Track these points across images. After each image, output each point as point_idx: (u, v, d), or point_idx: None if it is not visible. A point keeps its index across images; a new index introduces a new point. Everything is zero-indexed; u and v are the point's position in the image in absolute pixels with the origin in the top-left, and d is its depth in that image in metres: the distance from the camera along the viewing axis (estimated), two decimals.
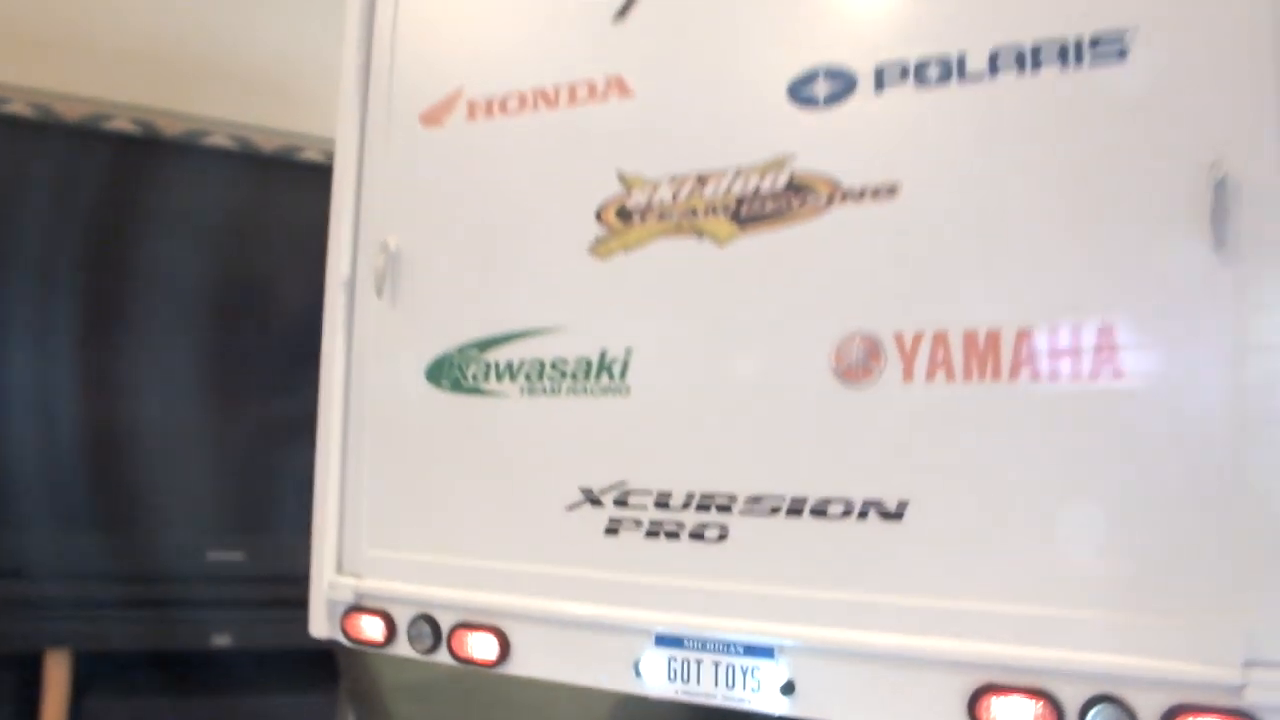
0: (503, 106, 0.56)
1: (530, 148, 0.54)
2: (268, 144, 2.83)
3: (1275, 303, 0.43)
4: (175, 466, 2.59)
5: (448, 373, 0.55)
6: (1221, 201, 0.38)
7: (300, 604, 2.63)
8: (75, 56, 2.67)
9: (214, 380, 2.64)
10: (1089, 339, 0.40)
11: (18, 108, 2.54)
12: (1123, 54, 0.41)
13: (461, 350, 0.55)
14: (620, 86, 0.52)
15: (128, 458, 2.51)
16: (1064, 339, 0.41)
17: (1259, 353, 0.43)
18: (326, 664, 2.65)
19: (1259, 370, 0.44)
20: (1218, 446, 0.44)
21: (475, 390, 0.54)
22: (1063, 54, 0.42)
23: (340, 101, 0.62)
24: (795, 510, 0.45)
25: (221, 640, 2.51)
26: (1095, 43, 0.42)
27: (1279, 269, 0.40)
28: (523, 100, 0.55)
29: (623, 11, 0.52)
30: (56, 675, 2.35)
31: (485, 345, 0.55)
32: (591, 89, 0.53)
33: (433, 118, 0.60)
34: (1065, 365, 0.41)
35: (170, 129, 2.72)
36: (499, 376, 0.53)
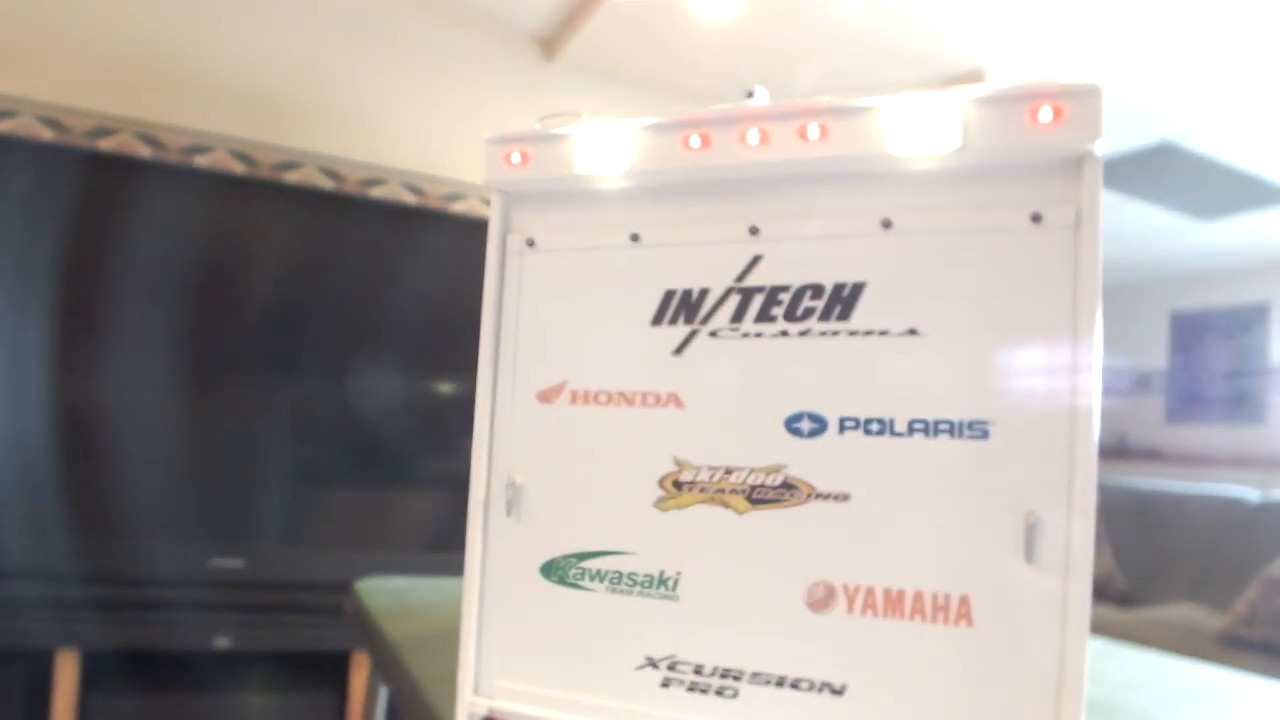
0: (596, 398, 0.81)
1: (615, 429, 0.77)
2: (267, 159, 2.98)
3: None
4: (183, 477, 2.80)
5: (555, 571, 0.80)
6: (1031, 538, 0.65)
7: (296, 610, 2.87)
8: (81, 68, 2.66)
9: (221, 387, 2.85)
10: (952, 599, 0.68)
11: (27, 121, 2.72)
12: (986, 434, 0.70)
13: (565, 557, 0.80)
14: (676, 400, 0.77)
15: (139, 467, 2.70)
16: (938, 599, 0.69)
17: None
18: (324, 666, 2.89)
19: None
20: None
21: (575, 585, 0.79)
22: (949, 429, 0.70)
23: (479, 379, 0.84)
24: (779, 684, 0.72)
25: (222, 642, 2.75)
26: (970, 425, 0.70)
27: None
28: (610, 397, 0.80)
29: (679, 350, 0.77)
30: (66, 673, 2.56)
31: (582, 556, 0.80)
32: (657, 398, 0.78)
33: (546, 397, 0.84)
34: (939, 614, 0.69)
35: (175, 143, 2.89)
36: (591, 579, 0.79)
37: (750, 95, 0.76)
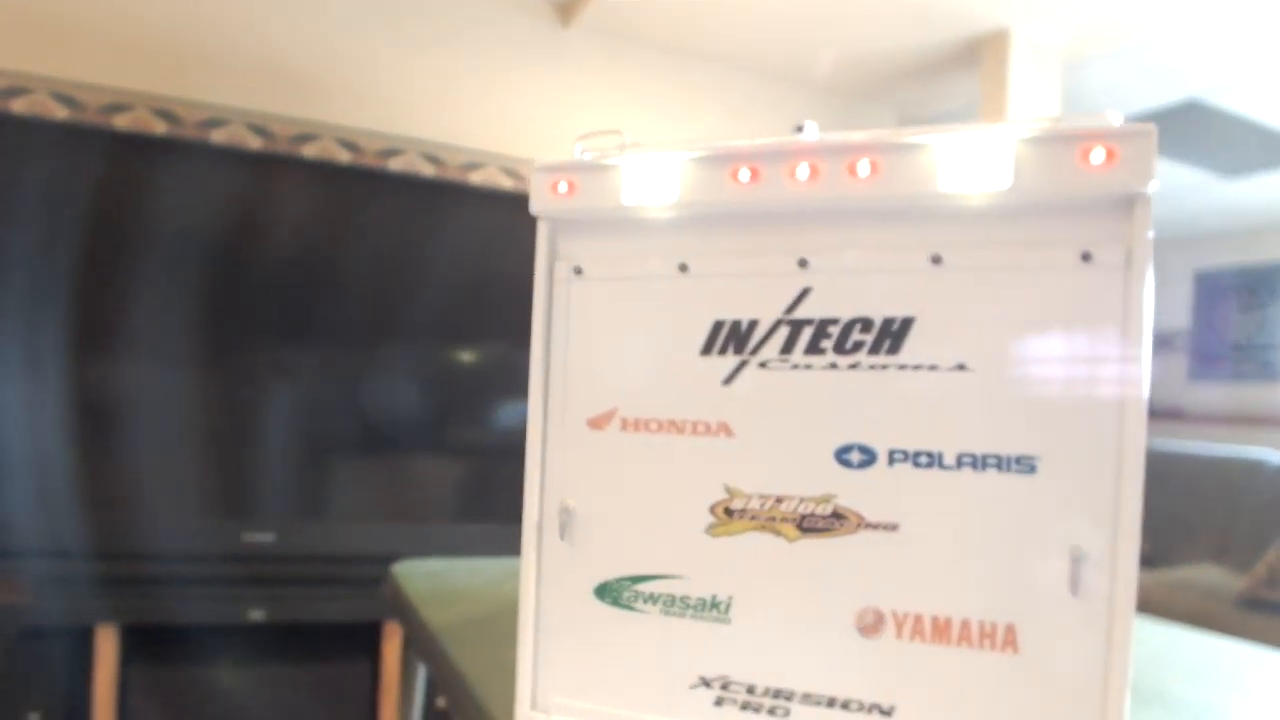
0: (646, 426, 0.82)
1: (666, 456, 0.79)
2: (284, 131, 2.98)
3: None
4: (212, 453, 2.85)
5: (610, 593, 0.83)
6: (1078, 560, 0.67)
7: (327, 582, 2.94)
8: (96, 44, 2.65)
9: (245, 362, 2.89)
10: (999, 627, 0.70)
11: (41, 98, 2.72)
12: (1033, 469, 0.71)
13: (619, 580, 0.83)
14: (726, 429, 0.79)
15: (169, 444, 2.74)
16: (985, 627, 0.72)
17: None
18: (356, 637, 2.97)
19: None
20: None
21: (629, 607, 0.82)
22: (997, 463, 0.72)
23: (530, 405, 0.86)
24: (830, 704, 0.76)
25: (255, 615, 2.82)
26: (1017, 460, 0.71)
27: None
28: (660, 425, 0.82)
29: (729, 380, 0.79)
30: (106, 648, 2.63)
31: (636, 580, 0.83)
32: (708, 427, 0.80)
33: (597, 424, 0.86)
34: (985, 641, 0.72)
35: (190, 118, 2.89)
36: (644, 601, 0.82)
37: (800, 130, 0.77)
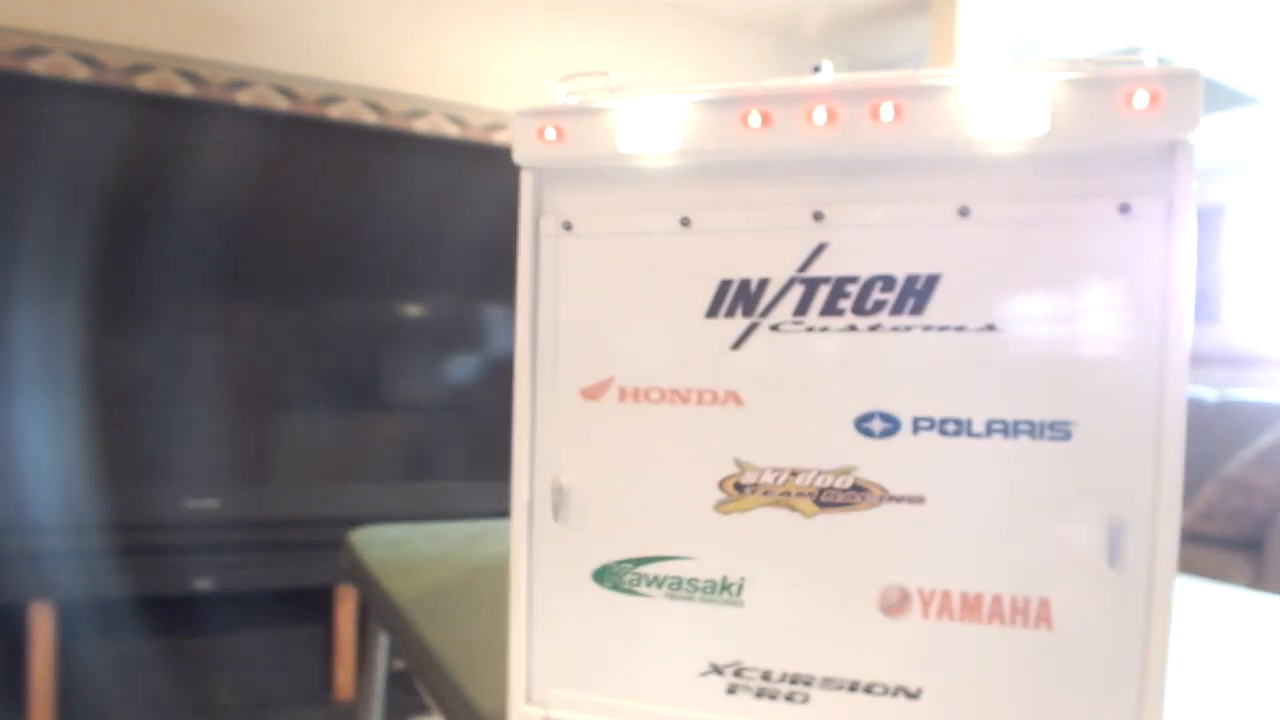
0: (647, 395, 0.76)
1: (669, 429, 0.73)
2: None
3: None
4: (152, 418, 2.72)
5: (609, 577, 0.78)
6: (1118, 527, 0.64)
7: (276, 547, 2.85)
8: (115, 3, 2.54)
9: (181, 322, 2.76)
10: (1032, 603, 0.67)
11: (60, 59, 2.53)
12: (1068, 435, 0.67)
13: (619, 563, 0.77)
14: (736, 398, 0.73)
15: (107, 409, 2.61)
16: (1017, 602, 0.68)
17: None
18: (308, 601, 2.89)
19: None
20: None
21: (631, 592, 0.77)
22: (1030, 430, 0.67)
23: (516, 375, 0.79)
24: (852, 688, 0.71)
25: (203, 584, 2.73)
26: (1052, 426, 0.67)
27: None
28: (663, 394, 0.75)
29: (737, 344, 0.73)
30: (42, 626, 2.48)
31: (638, 562, 0.77)
32: (714, 396, 0.73)
33: (591, 394, 0.79)
34: (1017, 618, 0.68)
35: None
36: (648, 584, 0.76)
37: (816, 70, 0.70)
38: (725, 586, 0.76)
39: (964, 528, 0.70)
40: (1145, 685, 0.66)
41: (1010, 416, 0.69)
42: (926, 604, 0.71)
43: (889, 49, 3.79)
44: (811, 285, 0.73)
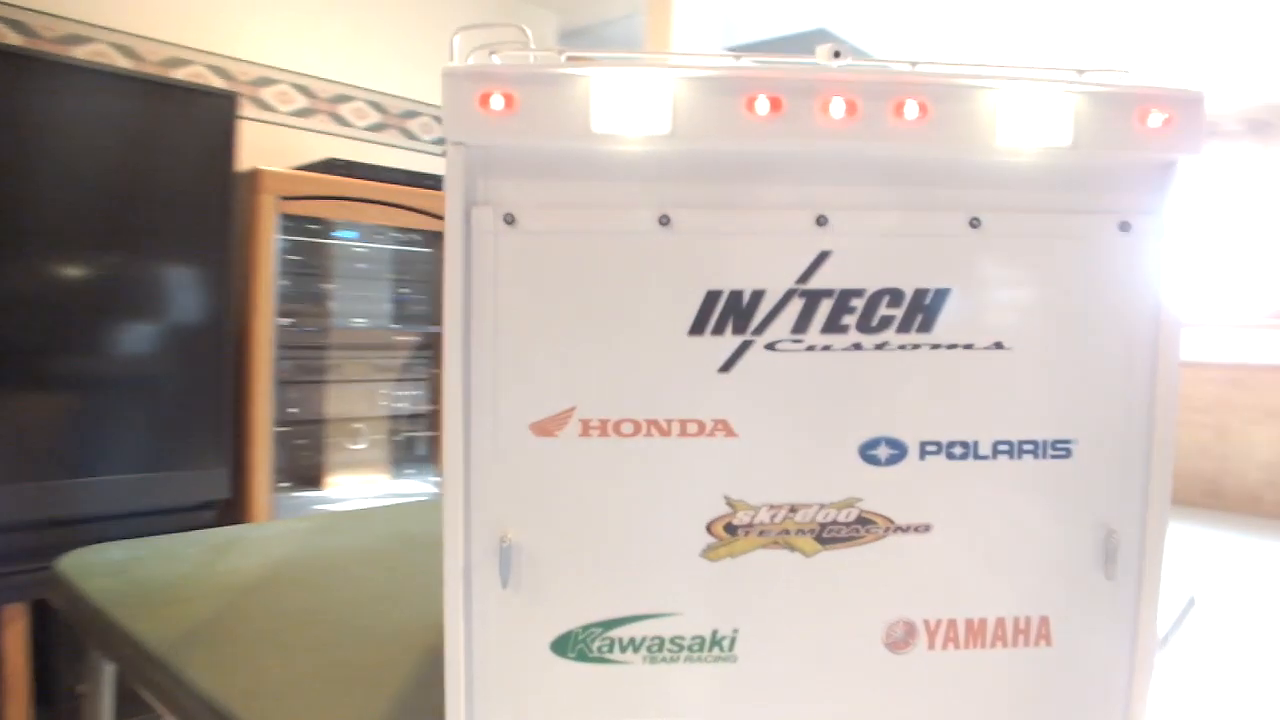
0: (617, 429, 0.62)
1: (646, 466, 0.60)
2: None
3: None
4: None
5: (573, 646, 0.63)
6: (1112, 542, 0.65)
7: None
8: None
9: None
10: (1033, 621, 0.66)
11: None
12: (1069, 453, 0.66)
13: (586, 628, 0.63)
14: (726, 428, 0.62)
15: None
16: (1019, 623, 0.67)
17: None
18: None
19: None
20: None
21: (601, 659, 0.63)
22: (1033, 449, 0.66)
23: (446, 407, 0.59)
24: None
25: None
26: (1054, 445, 0.66)
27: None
28: (637, 426, 0.62)
29: (727, 366, 0.62)
30: None
31: (609, 625, 0.64)
32: (700, 426, 0.62)
33: (545, 429, 0.62)
34: (1019, 638, 0.67)
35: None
36: (622, 649, 0.63)
37: (836, 55, 0.61)
38: (716, 641, 0.67)
39: (969, 553, 0.67)
40: (1133, 686, 0.68)
41: (1016, 437, 0.67)
42: (932, 635, 0.67)
43: (603, 10, 3.74)
44: (813, 298, 0.65)
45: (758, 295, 0.65)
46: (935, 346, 0.66)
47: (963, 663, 0.68)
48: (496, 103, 0.60)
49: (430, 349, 3.56)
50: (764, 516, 0.66)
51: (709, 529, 0.66)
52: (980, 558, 0.67)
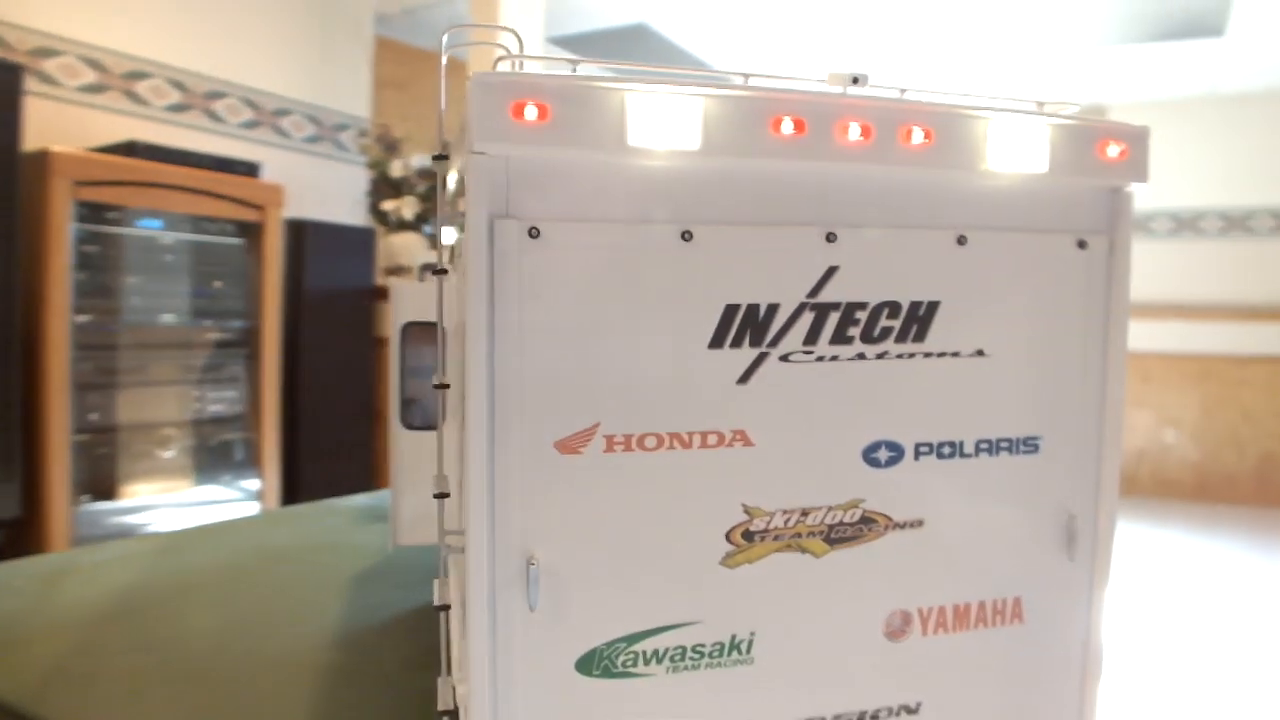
0: (641, 443, 0.60)
1: (669, 479, 0.59)
2: None
3: None
4: None
5: (598, 663, 0.61)
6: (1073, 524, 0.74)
7: None
8: None
9: None
10: (1008, 602, 0.73)
11: None
12: (1037, 449, 0.74)
13: (610, 644, 0.62)
14: (744, 438, 0.62)
15: None
16: (997, 605, 0.74)
17: None
18: None
19: None
20: None
21: (625, 674, 0.62)
22: (1009, 446, 0.72)
23: (469, 426, 0.54)
24: (860, 718, 0.69)
25: None
26: (1025, 441, 0.73)
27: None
28: (660, 440, 0.61)
29: (744, 378, 0.62)
30: None
31: (633, 639, 0.63)
32: (720, 437, 0.62)
33: (569, 446, 0.59)
34: (997, 618, 0.74)
35: None
36: (646, 662, 0.63)
37: (855, 81, 0.64)
38: (735, 646, 0.69)
39: (956, 544, 0.73)
40: (1088, 654, 0.76)
41: (994, 435, 0.73)
42: (925, 622, 0.73)
43: None
44: (822, 311, 0.68)
45: (773, 309, 0.67)
46: (928, 355, 0.70)
47: (950, 646, 0.73)
48: (531, 113, 0.59)
49: (245, 346, 3.33)
50: (779, 521, 0.68)
51: (728, 537, 0.67)
52: (966, 548, 0.73)
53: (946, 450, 0.72)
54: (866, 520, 0.70)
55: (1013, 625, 0.75)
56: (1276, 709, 2.52)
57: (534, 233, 0.62)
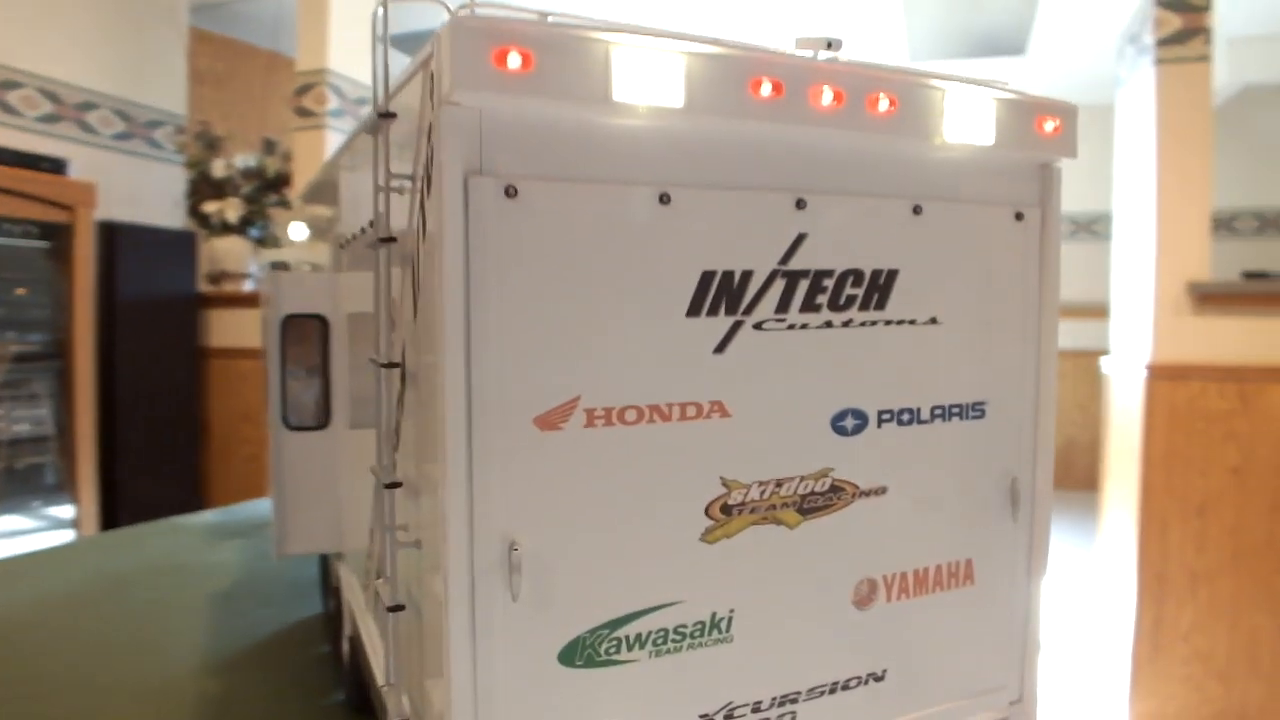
0: (622, 417, 0.56)
1: (648, 454, 0.55)
2: None
3: None
4: None
5: (581, 653, 0.56)
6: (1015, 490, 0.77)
7: None
8: None
9: None
10: (960, 565, 0.76)
11: None
12: (983, 414, 0.76)
13: (593, 631, 0.57)
14: (721, 409, 0.59)
15: None
16: (951, 568, 0.75)
17: None
18: None
19: None
20: None
21: (609, 662, 0.57)
22: (959, 412, 0.74)
23: (444, 404, 0.47)
24: (832, 690, 0.68)
25: None
26: (973, 407, 0.74)
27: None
28: (641, 413, 0.56)
29: (720, 347, 0.59)
30: None
31: (616, 624, 0.58)
32: (699, 409, 0.59)
33: (549, 422, 0.53)
34: (951, 580, 0.75)
35: None
36: (629, 647, 0.58)
37: (830, 46, 0.65)
38: (715, 624, 0.67)
39: (916, 510, 0.75)
40: (1030, 610, 0.80)
41: (947, 402, 0.75)
42: (889, 589, 0.74)
43: None
44: (793, 279, 0.68)
45: (747, 276, 0.66)
46: (888, 323, 0.71)
47: (911, 610, 0.74)
48: (513, 61, 0.55)
49: (53, 360, 3.01)
50: (755, 493, 0.67)
51: (707, 511, 0.65)
52: (925, 514, 0.74)
53: (905, 417, 0.73)
54: (835, 489, 0.70)
55: (965, 587, 0.77)
56: (1092, 694, 2.75)
57: (511, 191, 0.57)
